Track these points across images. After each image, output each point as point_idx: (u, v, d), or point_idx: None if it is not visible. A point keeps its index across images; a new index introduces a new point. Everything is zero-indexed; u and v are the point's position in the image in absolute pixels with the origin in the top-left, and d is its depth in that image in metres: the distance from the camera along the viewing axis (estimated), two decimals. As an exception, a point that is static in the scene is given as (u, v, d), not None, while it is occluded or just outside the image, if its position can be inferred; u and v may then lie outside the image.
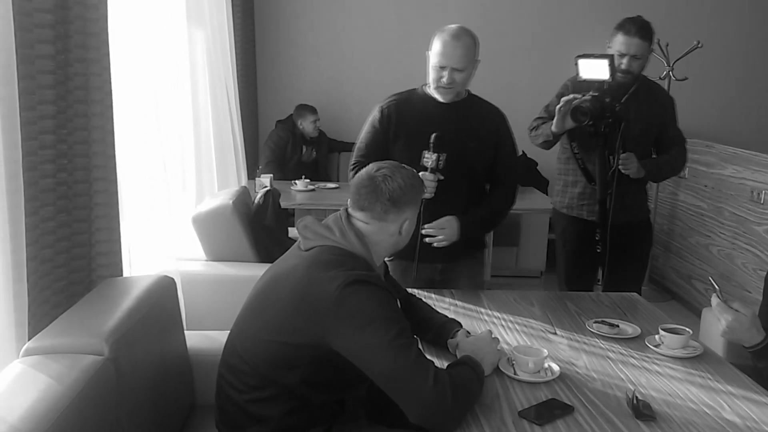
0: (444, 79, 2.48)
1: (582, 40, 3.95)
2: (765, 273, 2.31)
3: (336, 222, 1.84)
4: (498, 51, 5.41)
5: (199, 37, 3.78)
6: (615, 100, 2.85)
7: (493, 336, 1.94)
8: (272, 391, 1.76)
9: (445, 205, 2.51)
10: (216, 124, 3.93)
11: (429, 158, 2.43)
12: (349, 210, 1.88)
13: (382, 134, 2.59)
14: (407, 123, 2.57)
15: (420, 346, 1.95)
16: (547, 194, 5.18)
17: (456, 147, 2.49)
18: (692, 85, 5.02)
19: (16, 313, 1.72)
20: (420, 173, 2.36)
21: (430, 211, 2.45)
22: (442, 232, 2.50)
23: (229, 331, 1.90)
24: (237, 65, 4.59)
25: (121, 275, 2.24)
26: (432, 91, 2.56)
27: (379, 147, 2.58)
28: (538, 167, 5.48)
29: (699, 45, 4.84)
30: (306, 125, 5.19)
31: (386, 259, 2.63)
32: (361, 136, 2.66)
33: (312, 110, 5.22)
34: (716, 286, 2.01)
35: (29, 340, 1.66)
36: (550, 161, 3.30)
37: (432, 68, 2.50)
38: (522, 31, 5.69)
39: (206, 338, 2.27)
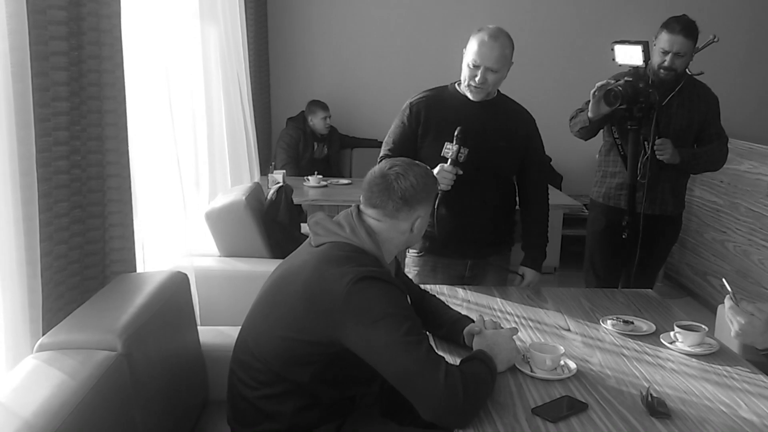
0: (477, 78, 2.48)
1: (606, 39, 3.94)
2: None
3: (347, 218, 1.84)
4: (520, 50, 5.37)
5: (212, 34, 3.79)
6: (649, 86, 2.87)
7: (516, 334, 1.93)
8: (284, 388, 1.76)
9: (473, 202, 2.56)
10: (229, 120, 3.94)
11: (450, 149, 2.43)
12: (361, 207, 1.87)
13: (410, 131, 2.60)
14: (437, 120, 2.57)
15: (432, 342, 1.96)
16: (560, 190, 5.16)
17: (486, 146, 2.51)
18: (708, 80, 4.87)
19: (31, 309, 1.73)
20: (439, 165, 2.38)
21: (456, 209, 2.50)
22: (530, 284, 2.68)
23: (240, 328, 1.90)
24: (250, 61, 4.59)
25: (135, 271, 2.25)
26: (463, 89, 2.57)
27: (407, 143, 2.59)
28: (551, 162, 5.45)
29: (715, 39, 4.76)
30: (316, 122, 5.17)
31: (414, 254, 2.68)
32: (390, 130, 2.67)
33: (323, 107, 5.20)
34: (729, 288, 1.99)
35: (43, 335, 1.67)
36: (564, 157, 3.29)
37: (466, 66, 2.51)
38: (546, 31, 5.64)
39: (219, 334, 2.28)
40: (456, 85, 2.62)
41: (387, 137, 2.67)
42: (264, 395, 1.78)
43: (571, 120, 3.16)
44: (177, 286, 2.07)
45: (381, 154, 2.66)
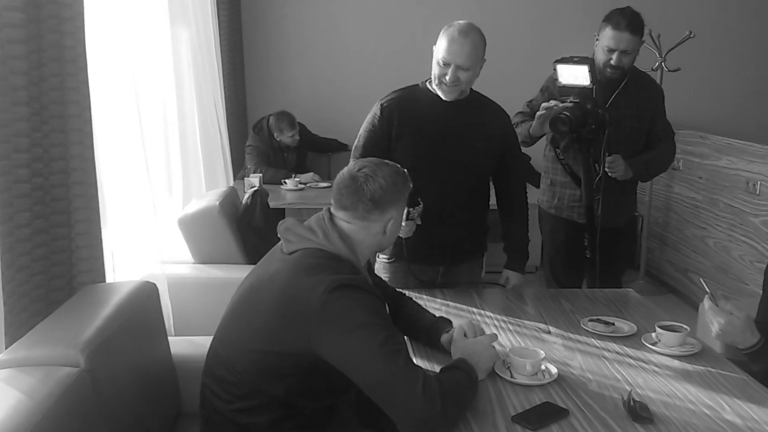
0: (448, 77, 2.37)
1: (572, 31, 3.91)
2: (763, 265, 2.26)
3: (319, 223, 1.79)
4: (493, 47, 5.36)
5: (183, 37, 3.72)
6: (598, 105, 2.76)
7: (495, 341, 1.89)
8: (260, 401, 1.72)
9: (446, 207, 2.48)
10: (203, 124, 3.87)
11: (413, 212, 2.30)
12: (332, 210, 1.82)
13: (381, 133, 2.49)
14: (410, 122, 2.47)
15: (410, 347, 1.91)
16: (539, 188, 5.13)
17: (460, 147, 2.45)
18: (685, 76, 4.97)
19: (-9, 323, 1.67)
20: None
21: (435, 211, 2.39)
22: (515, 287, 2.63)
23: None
24: (223, 64, 4.53)
25: (104, 281, 2.18)
26: (434, 88, 2.46)
27: (379, 146, 2.47)
28: (531, 161, 5.43)
29: (691, 35, 4.79)
30: (284, 139, 4.97)
31: (385, 260, 2.61)
32: (360, 133, 2.56)
33: (290, 124, 4.96)
34: (707, 289, 1.97)
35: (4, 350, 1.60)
36: (542, 154, 3.25)
37: (436, 64, 2.40)
38: (512, 23, 5.62)
39: (192, 344, 2.22)
40: (427, 83, 2.50)
41: (357, 141, 2.56)
42: (239, 408, 1.73)
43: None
44: (146, 296, 2.00)
45: (352, 158, 2.55)
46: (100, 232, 2.17)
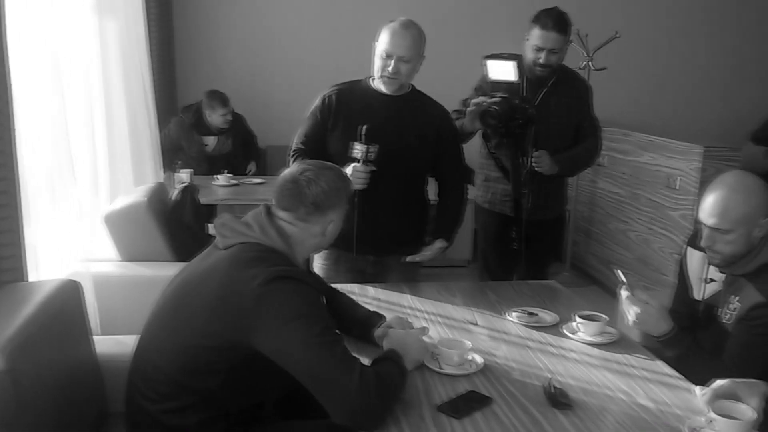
0: (389, 68, 2.47)
1: (507, 30, 3.99)
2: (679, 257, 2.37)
3: (256, 218, 1.79)
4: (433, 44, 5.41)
5: (111, 29, 3.63)
6: (525, 101, 2.84)
7: (425, 334, 1.93)
8: (188, 400, 1.70)
9: (379, 199, 2.51)
10: (131, 118, 3.78)
11: (359, 150, 2.40)
12: (272, 208, 1.83)
13: (321, 123, 2.58)
14: (347, 113, 2.55)
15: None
16: (473, 185, 5.22)
17: (397, 142, 2.49)
18: (611, 75, 5.14)
19: None
20: (351, 165, 2.34)
21: (368, 206, 2.45)
22: (427, 256, 2.64)
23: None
24: (153, 56, 4.43)
25: (25, 280, 2.12)
26: (376, 83, 2.55)
27: (319, 135, 2.58)
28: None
29: (617, 35, 4.96)
30: (214, 118, 4.83)
31: None
32: (304, 122, 2.64)
33: (222, 102, 4.81)
34: (623, 279, 2.06)
35: None
36: (476, 152, 3.32)
37: (378, 57, 2.49)
38: (447, 22, 5.69)
39: (118, 343, 2.17)
40: (369, 80, 2.60)
41: (300, 129, 2.64)
42: (167, 408, 1.71)
43: None
44: (69, 295, 1.96)
45: (293, 147, 2.63)
46: (22, 230, 2.11)
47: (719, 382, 1.61)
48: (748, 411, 1.53)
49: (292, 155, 2.60)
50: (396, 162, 2.51)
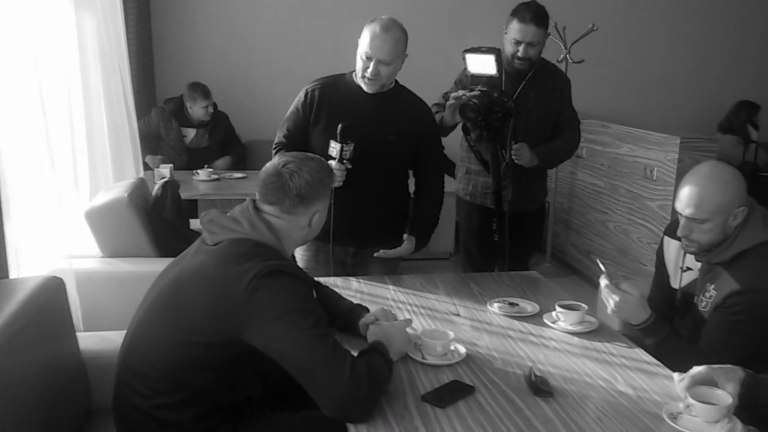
0: (370, 71, 2.47)
1: (487, 24, 4.00)
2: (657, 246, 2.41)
3: (244, 214, 1.79)
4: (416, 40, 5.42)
5: (89, 24, 3.60)
6: (504, 94, 2.87)
7: (409, 326, 1.95)
8: (183, 395, 1.71)
9: (359, 193, 2.53)
10: (110, 113, 3.76)
11: (334, 148, 2.43)
12: (257, 203, 1.84)
13: (303, 117, 2.59)
14: (328, 108, 2.56)
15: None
16: (454, 177, 5.25)
17: (376, 138, 2.50)
18: (589, 68, 5.19)
19: None
20: (328, 162, 2.35)
21: (345, 201, 2.46)
22: (398, 252, 2.67)
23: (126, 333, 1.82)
24: (131, 52, 4.40)
25: (7, 277, 2.12)
26: (358, 80, 2.56)
27: (301, 129, 2.59)
28: (445, 151, 5.54)
29: (594, 28, 5.00)
30: (196, 110, 4.83)
31: None
32: (286, 116, 2.66)
33: (204, 94, 4.83)
34: (603, 268, 2.09)
35: None
36: (457, 145, 3.34)
37: (359, 58, 2.50)
38: (428, 16, 5.70)
39: (102, 340, 2.17)
40: (353, 75, 2.60)
41: (282, 123, 2.65)
42: (161, 404, 1.72)
43: None
44: (52, 291, 1.95)
45: (276, 140, 2.64)
46: (2, 227, 2.10)
47: (697, 369, 1.65)
48: (724, 396, 1.57)
49: (275, 148, 2.62)
50: (377, 157, 2.53)
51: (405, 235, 2.71)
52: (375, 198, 2.62)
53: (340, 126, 2.42)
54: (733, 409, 1.55)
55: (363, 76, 2.51)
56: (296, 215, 1.81)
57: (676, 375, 1.69)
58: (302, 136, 2.58)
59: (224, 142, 5.10)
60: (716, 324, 2.04)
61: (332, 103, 2.57)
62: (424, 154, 2.70)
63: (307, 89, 2.61)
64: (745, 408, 1.62)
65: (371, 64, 2.46)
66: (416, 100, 2.69)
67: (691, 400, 1.55)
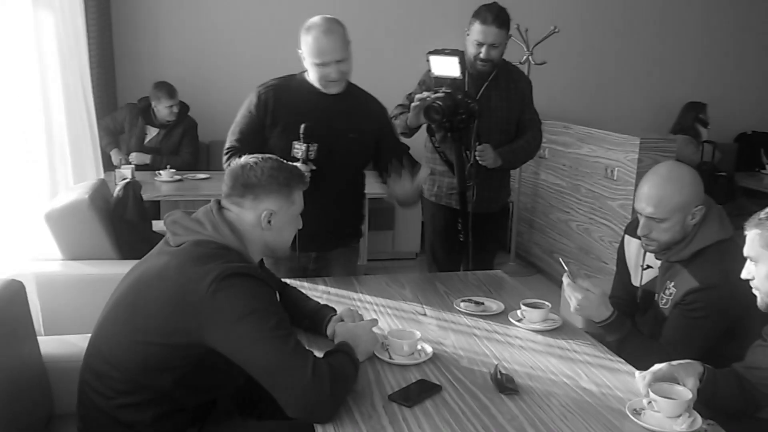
0: (333, 74, 2.45)
1: (450, 25, 4.03)
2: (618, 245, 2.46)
3: (206, 215, 1.78)
4: (364, 37, 5.44)
5: (48, 22, 3.53)
6: (468, 96, 2.90)
7: (375, 326, 1.96)
8: (144, 396, 1.69)
9: (320, 195, 2.49)
10: (69, 113, 3.69)
11: (299, 149, 2.40)
12: (222, 201, 1.83)
13: (257, 120, 2.53)
14: (285, 111, 2.52)
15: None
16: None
17: (336, 138, 2.48)
18: (551, 69, 5.26)
19: None
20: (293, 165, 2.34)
21: (309, 203, 2.42)
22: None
23: (90, 335, 1.79)
24: (91, 52, 4.32)
25: (-36, 281, 2.06)
26: (318, 86, 2.52)
27: (255, 132, 2.53)
28: (409, 152, 5.56)
29: (556, 30, 5.07)
30: (160, 109, 4.79)
31: None
32: (237, 119, 2.59)
33: (169, 93, 4.78)
34: (565, 267, 2.13)
35: None
36: (422, 146, 3.37)
37: (313, 66, 2.46)
38: (391, 16, 5.72)
39: (64, 343, 2.14)
40: (305, 74, 2.57)
41: (234, 126, 2.59)
42: (122, 404, 1.70)
43: (392, 119, 3.09)
44: (12, 295, 1.91)
45: (227, 145, 2.58)
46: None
47: (657, 366, 1.70)
48: (684, 392, 1.61)
49: (227, 153, 2.55)
50: (340, 156, 2.52)
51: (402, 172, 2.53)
52: (337, 198, 2.61)
53: (303, 126, 2.40)
54: (692, 403, 1.60)
55: (328, 81, 2.48)
56: (243, 208, 1.79)
57: (637, 373, 1.73)
58: (257, 138, 2.51)
59: (192, 149, 5.02)
60: (676, 320, 2.09)
61: (289, 104, 2.53)
62: (385, 147, 2.67)
63: (259, 91, 2.55)
64: (704, 402, 1.67)
65: (332, 69, 2.44)
66: (369, 97, 2.67)
67: (653, 396, 1.59)
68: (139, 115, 4.82)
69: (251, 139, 2.51)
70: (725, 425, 1.60)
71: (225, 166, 2.54)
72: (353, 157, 2.63)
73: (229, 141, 2.57)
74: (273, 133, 2.52)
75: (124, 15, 5.32)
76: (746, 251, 1.75)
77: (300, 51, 2.48)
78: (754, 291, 1.77)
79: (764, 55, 6.68)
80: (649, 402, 1.61)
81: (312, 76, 2.52)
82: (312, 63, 2.46)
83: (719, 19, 6.49)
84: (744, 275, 1.77)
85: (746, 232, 1.75)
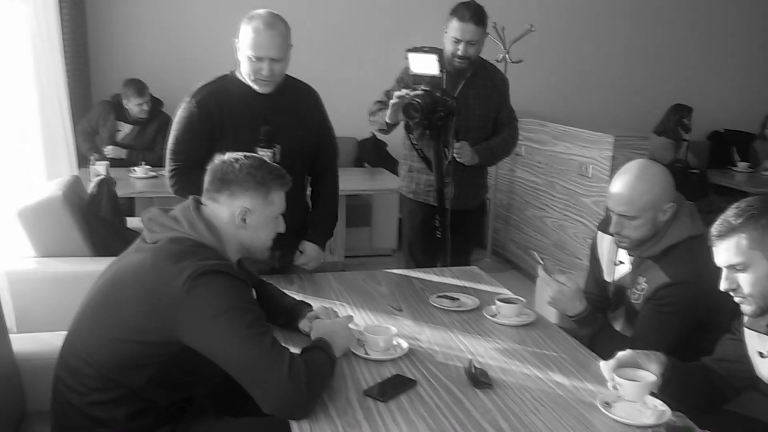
0: (264, 72, 2.34)
1: (423, 24, 4.04)
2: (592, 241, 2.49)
3: (184, 212, 1.77)
4: (343, 34, 5.46)
5: (23, 15, 3.48)
6: (446, 94, 2.92)
7: (351, 322, 1.96)
8: (117, 393, 1.68)
9: (288, 195, 2.46)
10: (42, 109, 3.65)
11: (265, 154, 2.28)
12: (201, 198, 1.83)
13: (203, 134, 2.39)
14: (230, 118, 2.40)
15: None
16: (397, 174, 5.29)
17: (287, 137, 2.43)
18: (527, 67, 5.30)
19: None
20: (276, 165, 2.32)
21: None
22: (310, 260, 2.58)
23: (66, 332, 1.78)
24: (66, 47, 4.27)
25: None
26: (249, 82, 2.40)
27: (198, 144, 2.38)
28: (387, 148, 5.58)
29: (532, 29, 5.11)
30: (131, 107, 4.75)
31: None
32: (175, 136, 2.44)
33: (138, 92, 4.71)
34: (540, 260, 2.16)
35: None
36: (399, 143, 3.38)
37: (247, 60, 2.34)
38: (369, 13, 5.72)
39: (36, 341, 2.12)
40: (237, 72, 2.45)
41: (173, 144, 2.44)
42: (95, 401, 1.69)
43: (370, 115, 3.15)
44: (-17, 292, 1.89)
45: (171, 166, 2.45)
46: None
47: (622, 353, 1.74)
48: (648, 375, 1.67)
49: (173, 175, 2.45)
50: (295, 155, 2.46)
51: (302, 243, 2.59)
52: (297, 196, 2.52)
53: (264, 130, 2.34)
54: (656, 387, 1.64)
55: (256, 79, 2.37)
56: (219, 203, 1.79)
57: (602, 361, 1.76)
58: (203, 151, 2.22)
59: (153, 140, 4.93)
60: (647, 315, 2.12)
61: (231, 111, 2.40)
62: (322, 140, 2.61)
63: (197, 100, 2.40)
64: (671, 393, 1.70)
65: (264, 65, 2.33)
66: (306, 87, 2.59)
67: (618, 380, 1.64)
68: (112, 112, 4.79)
69: (195, 151, 2.34)
70: (693, 418, 1.63)
71: (173, 190, 2.48)
72: (305, 154, 2.57)
73: (173, 162, 2.44)
74: (222, 143, 2.28)
75: (99, 10, 5.25)
76: (727, 260, 1.63)
77: (236, 40, 2.36)
78: (738, 299, 1.67)
79: (738, 54, 6.79)
80: (614, 386, 1.66)
81: (243, 70, 2.39)
82: (246, 55, 2.34)
83: (693, 19, 6.58)
84: (724, 287, 1.67)
85: (720, 243, 1.63)
